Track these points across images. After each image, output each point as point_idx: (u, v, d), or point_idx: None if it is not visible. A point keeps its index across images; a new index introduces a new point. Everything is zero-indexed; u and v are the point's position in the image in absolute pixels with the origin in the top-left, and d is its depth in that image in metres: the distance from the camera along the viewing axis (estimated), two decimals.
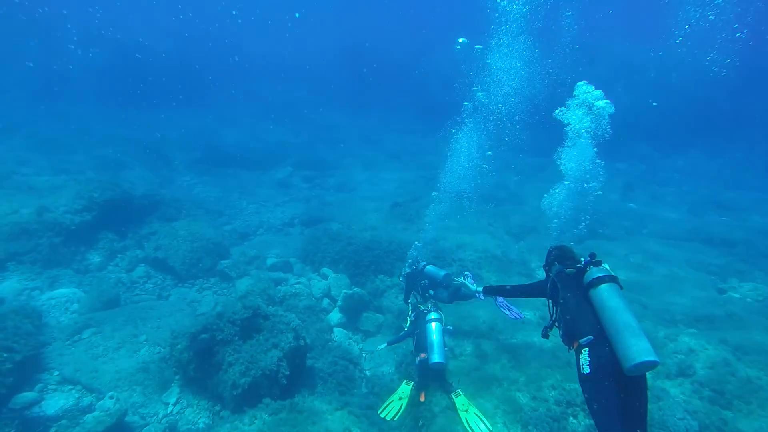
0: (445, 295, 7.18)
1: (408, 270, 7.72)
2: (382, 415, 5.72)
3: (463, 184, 17.87)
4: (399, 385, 6.41)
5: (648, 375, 6.37)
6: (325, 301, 9.50)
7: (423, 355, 6.30)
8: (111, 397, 6.39)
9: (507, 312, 6.66)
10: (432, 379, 6.28)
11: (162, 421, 6.41)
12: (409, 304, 7.49)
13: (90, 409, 6.25)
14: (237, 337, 6.63)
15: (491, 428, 5.20)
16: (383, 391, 7.22)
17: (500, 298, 6.58)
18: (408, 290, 7.70)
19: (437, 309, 6.85)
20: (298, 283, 10.19)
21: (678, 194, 21.28)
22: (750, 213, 17.72)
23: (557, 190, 12.51)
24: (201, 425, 6.42)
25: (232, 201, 16.95)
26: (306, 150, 24.60)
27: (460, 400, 5.71)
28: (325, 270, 10.51)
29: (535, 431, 4.88)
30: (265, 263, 11.15)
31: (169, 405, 6.71)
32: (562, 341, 3.81)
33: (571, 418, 5.22)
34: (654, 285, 9.55)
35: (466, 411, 5.53)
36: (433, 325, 6.39)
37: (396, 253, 10.56)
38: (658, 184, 23.13)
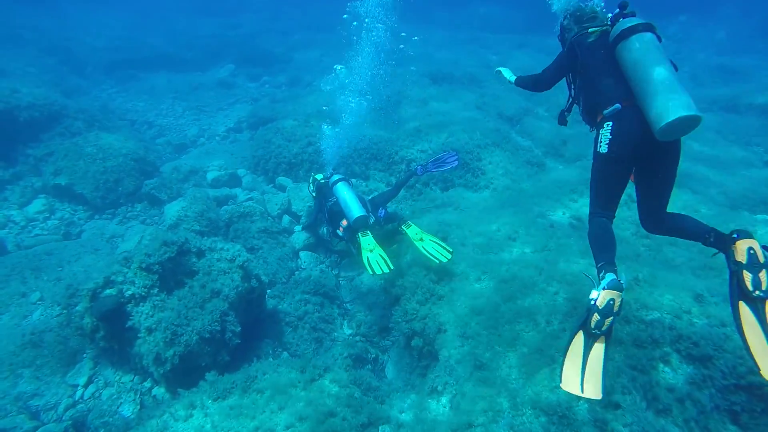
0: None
1: (320, 178, 6.41)
2: (377, 273, 4.81)
3: (440, 64, 15.25)
4: (360, 244, 5.16)
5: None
6: (285, 219, 7.40)
7: (345, 222, 5.68)
8: None
9: (443, 167, 6.40)
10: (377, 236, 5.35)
11: (64, 417, 4.50)
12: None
13: None
14: (156, 289, 4.55)
15: (451, 250, 4.95)
16: (372, 330, 5.49)
17: (430, 164, 6.43)
18: (315, 210, 6.52)
19: (336, 171, 6.25)
20: (249, 199, 7.99)
21: (675, 61, 19.13)
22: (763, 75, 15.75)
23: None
24: (125, 413, 4.56)
25: (164, 109, 14.02)
26: (249, 44, 20.85)
27: (412, 231, 5.29)
28: (281, 180, 8.28)
29: (627, 397, 3.16)
30: (206, 178, 8.80)
31: (78, 388, 4.79)
32: (583, 120, 3.26)
33: (662, 365, 3.53)
34: (697, 166, 7.74)
35: (421, 240, 5.16)
36: (340, 186, 5.78)
37: (370, 150, 8.34)
38: None
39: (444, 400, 3.74)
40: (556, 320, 3.97)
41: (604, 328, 2.62)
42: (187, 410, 3.77)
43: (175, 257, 4.79)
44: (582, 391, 2.56)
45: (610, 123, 2.86)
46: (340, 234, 5.86)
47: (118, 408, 4.59)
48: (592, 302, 2.65)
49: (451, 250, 4.96)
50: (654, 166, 2.90)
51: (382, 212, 5.74)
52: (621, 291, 2.61)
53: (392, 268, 4.84)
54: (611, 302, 2.60)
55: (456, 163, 6.47)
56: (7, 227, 7.32)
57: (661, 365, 3.54)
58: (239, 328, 4.56)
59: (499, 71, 4.30)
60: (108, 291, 4.59)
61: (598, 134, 2.98)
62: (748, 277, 2.34)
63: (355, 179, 8.09)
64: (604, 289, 2.63)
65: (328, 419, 3.58)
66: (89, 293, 4.57)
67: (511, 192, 6.95)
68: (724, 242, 2.62)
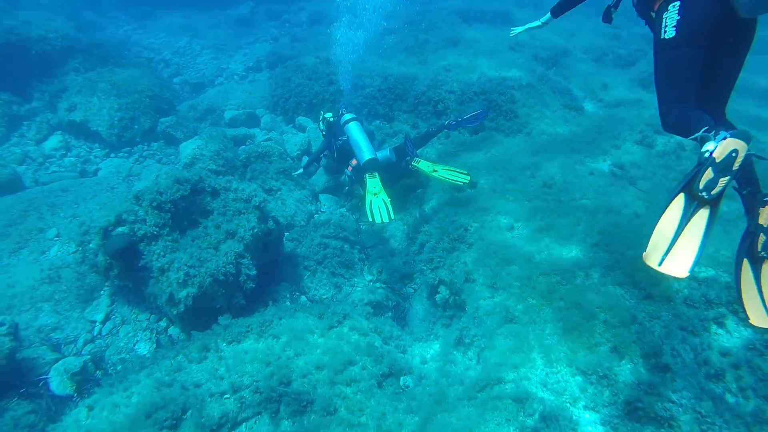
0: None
1: (329, 117, 6.26)
2: (376, 221, 4.71)
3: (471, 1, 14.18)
4: (366, 185, 5.03)
5: None
6: (305, 160, 7.08)
7: (354, 162, 5.59)
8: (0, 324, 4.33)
9: (474, 123, 6.12)
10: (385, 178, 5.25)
11: (83, 351, 4.47)
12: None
13: None
14: (168, 229, 4.34)
15: (467, 172, 5.07)
16: (393, 277, 5.26)
17: (464, 120, 6.04)
18: (321, 147, 6.35)
19: (349, 110, 6.00)
20: (268, 139, 7.66)
21: None
22: None
23: None
24: (140, 351, 4.50)
25: (181, 47, 13.52)
26: None
27: (424, 165, 5.27)
28: (301, 120, 7.89)
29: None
30: (223, 117, 8.47)
31: (96, 324, 4.73)
32: (638, 12, 2.82)
33: (715, 327, 3.19)
34: None
35: (435, 171, 5.16)
36: (352, 125, 5.62)
37: (395, 90, 7.83)
38: None
39: (471, 353, 3.51)
40: (596, 273, 3.64)
41: (714, 192, 2.08)
42: (201, 353, 3.64)
43: (189, 196, 4.54)
44: (659, 265, 2.10)
45: (677, 3, 2.41)
46: (348, 173, 5.81)
47: (134, 345, 4.54)
48: (707, 154, 2.08)
49: (467, 172, 5.06)
50: (722, 54, 2.47)
51: (412, 150, 5.50)
52: (748, 142, 2.06)
53: (393, 218, 4.73)
54: (733, 155, 2.05)
55: (485, 117, 6.29)
56: (25, 163, 7.20)
57: (714, 327, 3.22)
58: (254, 272, 4.36)
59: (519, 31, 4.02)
60: (120, 229, 4.41)
61: (660, 20, 2.50)
62: (762, 239, 2.25)
63: (379, 120, 7.66)
64: (725, 138, 2.06)
65: (347, 368, 3.40)
66: (101, 231, 4.39)
67: (547, 137, 6.44)
68: (755, 200, 2.31)
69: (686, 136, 2.33)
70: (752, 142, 2.16)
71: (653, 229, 2.16)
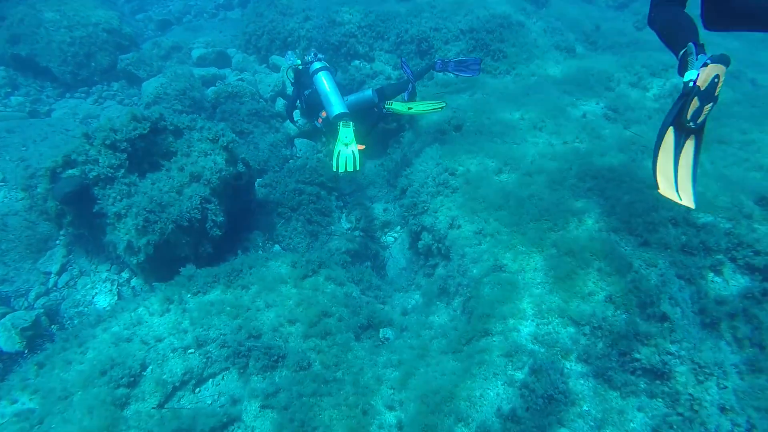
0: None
1: (298, 64, 5.48)
2: (340, 170, 4.26)
3: None
4: (337, 133, 4.44)
5: None
6: (279, 102, 6.58)
7: (324, 114, 5.17)
8: None
9: (464, 73, 5.65)
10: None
11: (35, 304, 4.12)
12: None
13: None
14: (125, 171, 3.92)
15: (443, 102, 4.84)
16: (373, 225, 5.00)
17: (452, 64, 5.66)
18: (292, 98, 5.75)
19: (319, 58, 5.38)
20: (240, 80, 7.08)
21: None
22: None
23: None
24: (100, 304, 4.17)
25: None
26: None
27: (397, 105, 4.94)
28: (275, 59, 7.29)
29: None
30: (191, 56, 7.80)
31: (51, 275, 4.37)
32: None
33: (711, 274, 3.01)
34: None
35: (410, 108, 4.90)
36: (321, 76, 5.00)
37: (375, 27, 7.25)
38: None
39: (456, 303, 3.29)
40: (590, 219, 3.40)
41: (700, 120, 2.19)
42: (163, 305, 3.33)
43: (148, 135, 4.09)
44: (680, 199, 2.19)
45: None
46: (318, 125, 5.42)
47: (93, 298, 4.21)
48: (691, 84, 2.14)
49: (443, 102, 4.85)
50: None
51: (410, 73, 5.35)
52: (728, 64, 2.10)
53: (359, 169, 4.35)
54: (715, 80, 2.12)
55: (477, 72, 5.71)
56: None
57: (711, 275, 3.04)
58: (222, 218, 4.00)
59: None
60: (70, 171, 3.96)
61: None
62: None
63: (358, 60, 7.13)
64: (705, 64, 2.11)
65: (322, 320, 3.15)
66: (48, 173, 3.94)
67: (537, 78, 6.06)
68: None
69: (664, 43, 2.39)
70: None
71: (655, 161, 2.24)
